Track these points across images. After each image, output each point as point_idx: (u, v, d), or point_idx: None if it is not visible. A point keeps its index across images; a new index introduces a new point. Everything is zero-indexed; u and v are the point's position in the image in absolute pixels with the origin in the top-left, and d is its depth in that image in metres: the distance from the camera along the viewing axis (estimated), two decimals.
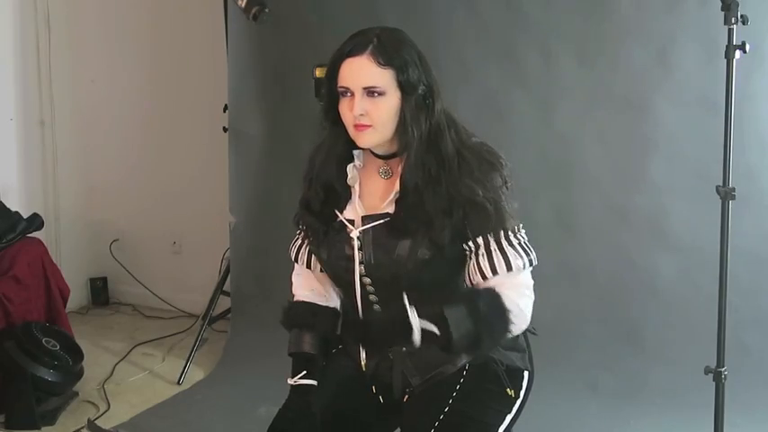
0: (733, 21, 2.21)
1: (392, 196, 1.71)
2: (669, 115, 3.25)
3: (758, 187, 3.15)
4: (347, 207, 1.76)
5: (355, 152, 1.76)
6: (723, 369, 2.33)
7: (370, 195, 1.76)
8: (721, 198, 2.30)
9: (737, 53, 2.23)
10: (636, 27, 3.23)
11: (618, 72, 3.28)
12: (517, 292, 1.66)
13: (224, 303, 3.91)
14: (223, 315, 3.95)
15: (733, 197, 2.29)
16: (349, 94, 1.65)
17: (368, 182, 1.77)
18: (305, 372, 1.82)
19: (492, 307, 1.62)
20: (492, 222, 1.66)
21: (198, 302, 4.10)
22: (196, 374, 3.55)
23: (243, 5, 2.98)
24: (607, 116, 3.33)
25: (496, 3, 3.38)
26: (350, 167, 1.76)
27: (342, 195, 1.76)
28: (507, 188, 1.71)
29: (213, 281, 3.93)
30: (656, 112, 3.27)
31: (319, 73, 2.44)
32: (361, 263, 1.73)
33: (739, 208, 2.38)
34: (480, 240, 1.67)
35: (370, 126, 1.65)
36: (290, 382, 1.84)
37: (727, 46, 2.24)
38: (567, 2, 3.30)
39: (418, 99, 1.66)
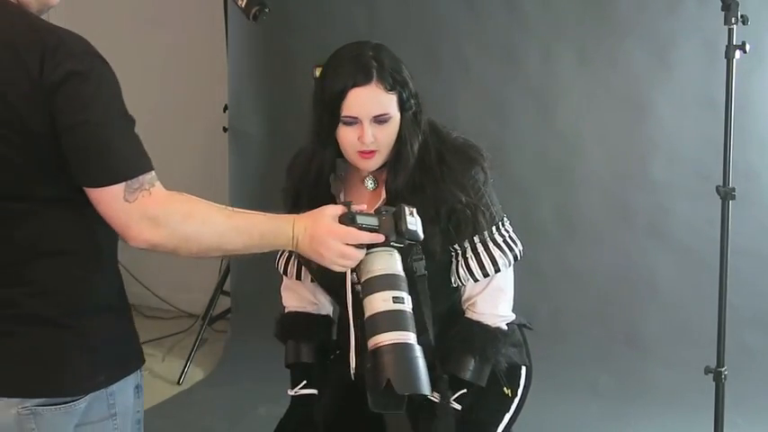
0: (733, 21, 2.21)
1: (379, 204, 1.69)
2: (669, 115, 3.25)
3: (758, 187, 3.15)
4: None
5: (338, 160, 1.72)
6: (723, 369, 2.33)
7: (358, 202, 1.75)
8: (721, 198, 2.30)
9: (737, 53, 2.23)
10: (636, 27, 3.23)
11: (618, 72, 3.28)
12: (492, 302, 1.74)
13: (224, 303, 3.91)
14: (223, 315, 3.95)
15: (733, 197, 2.29)
16: (356, 123, 1.62)
17: (352, 191, 1.76)
18: (305, 382, 1.82)
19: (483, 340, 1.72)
20: (477, 225, 1.69)
21: (198, 302, 4.09)
22: (196, 374, 3.55)
23: (243, 5, 2.97)
24: (607, 116, 3.33)
25: (496, 3, 3.38)
26: (332, 178, 1.72)
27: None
28: (489, 181, 1.73)
29: (213, 281, 3.93)
30: (656, 112, 3.26)
31: (319, 73, 2.44)
32: (352, 271, 1.72)
33: (739, 208, 2.37)
34: (467, 243, 1.70)
35: (375, 152, 1.64)
36: (291, 393, 1.83)
37: (727, 46, 2.24)
38: (567, 2, 3.30)
39: (412, 115, 1.66)
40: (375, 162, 1.66)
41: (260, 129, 3.81)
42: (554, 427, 2.88)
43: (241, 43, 3.71)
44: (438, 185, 1.67)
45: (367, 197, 1.74)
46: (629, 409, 3.06)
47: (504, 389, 1.79)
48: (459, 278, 1.73)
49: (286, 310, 1.92)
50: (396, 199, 1.64)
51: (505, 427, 1.78)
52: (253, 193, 3.84)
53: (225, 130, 3.81)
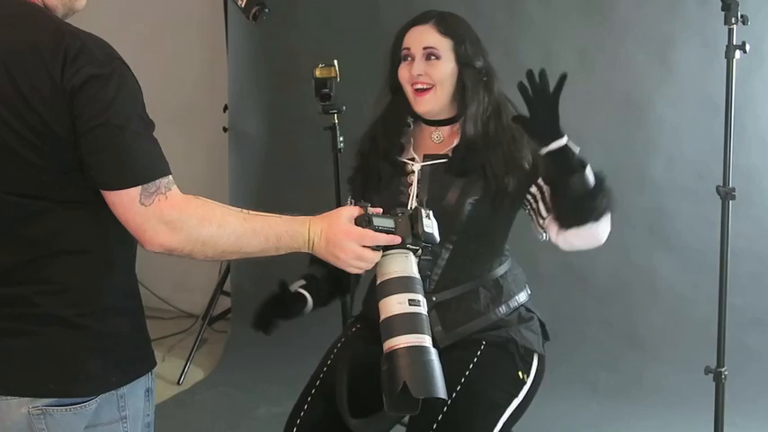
0: (733, 21, 2.21)
1: (454, 143, 1.81)
2: (669, 115, 3.25)
3: (758, 187, 3.15)
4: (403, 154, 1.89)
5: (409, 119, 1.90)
6: (723, 369, 2.33)
7: (426, 148, 1.87)
8: (721, 198, 2.30)
9: (737, 53, 2.23)
10: (636, 27, 3.23)
11: (618, 72, 3.28)
12: None
13: (224, 303, 3.91)
14: (223, 315, 3.95)
15: (733, 197, 2.29)
16: (410, 59, 1.82)
17: (418, 141, 1.89)
18: (304, 282, 1.92)
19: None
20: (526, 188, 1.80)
21: (198, 302, 4.09)
22: (196, 374, 3.55)
23: (243, 5, 2.97)
24: (607, 116, 3.33)
25: (496, 3, 3.38)
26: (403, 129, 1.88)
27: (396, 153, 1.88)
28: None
29: (213, 281, 3.93)
30: (657, 112, 3.26)
31: (319, 73, 2.44)
32: (416, 196, 1.80)
33: (739, 208, 2.38)
34: (534, 189, 1.79)
35: (429, 88, 1.79)
36: (290, 288, 1.93)
37: (727, 46, 2.24)
38: (567, 2, 3.30)
39: (476, 73, 1.81)
40: (429, 101, 1.80)
41: (260, 129, 3.81)
42: (554, 427, 2.88)
43: (241, 43, 3.71)
44: (517, 145, 1.78)
45: (432, 148, 1.86)
46: (628, 409, 3.06)
47: (519, 372, 1.81)
48: (540, 216, 1.78)
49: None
50: (470, 148, 1.77)
51: (514, 414, 1.78)
52: (253, 193, 3.84)
53: (225, 130, 3.81)
